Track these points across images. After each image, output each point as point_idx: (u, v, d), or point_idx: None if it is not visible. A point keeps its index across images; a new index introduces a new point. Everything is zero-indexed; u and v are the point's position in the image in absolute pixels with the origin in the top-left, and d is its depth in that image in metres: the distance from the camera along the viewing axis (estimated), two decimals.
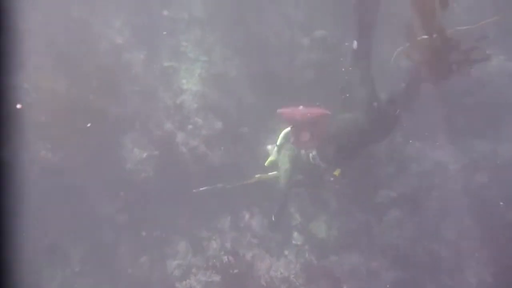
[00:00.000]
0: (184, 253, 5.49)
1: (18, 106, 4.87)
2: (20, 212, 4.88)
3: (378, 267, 5.35)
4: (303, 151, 4.73)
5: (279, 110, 4.61)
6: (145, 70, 6.32)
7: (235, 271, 4.69)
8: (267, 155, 4.94)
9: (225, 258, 5.02)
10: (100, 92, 5.47)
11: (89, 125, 5.24)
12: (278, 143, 4.84)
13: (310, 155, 4.71)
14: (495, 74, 5.74)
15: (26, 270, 5.02)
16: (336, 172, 4.75)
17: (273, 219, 4.65)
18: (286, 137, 4.84)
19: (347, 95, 4.59)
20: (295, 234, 5.88)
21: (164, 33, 6.77)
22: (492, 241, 4.98)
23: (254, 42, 6.59)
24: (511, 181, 5.30)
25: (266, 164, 4.92)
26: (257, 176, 4.95)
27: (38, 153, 5.11)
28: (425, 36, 3.73)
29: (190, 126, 5.65)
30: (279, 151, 4.83)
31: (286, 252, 5.74)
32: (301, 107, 4.59)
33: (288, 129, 4.78)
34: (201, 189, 5.06)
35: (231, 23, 6.77)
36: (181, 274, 5.23)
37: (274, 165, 4.91)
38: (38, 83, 5.21)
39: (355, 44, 4.32)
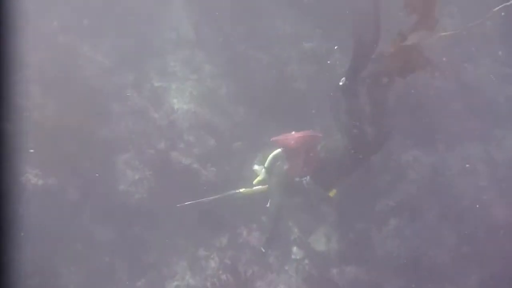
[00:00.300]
0: (183, 274, 5.39)
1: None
2: (11, 238, 4.85)
3: (380, 277, 5.25)
4: (297, 178, 4.78)
5: (272, 139, 4.74)
6: (135, 91, 6.32)
7: None
8: (254, 175, 4.99)
9: (224, 277, 4.93)
10: (90, 115, 5.47)
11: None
12: (266, 165, 4.90)
13: (304, 181, 4.78)
14: (483, 77, 5.77)
15: None
16: (332, 193, 4.88)
17: (265, 241, 4.80)
18: (275, 159, 4.92)
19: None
20: (294, 248, 5.78)
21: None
22: (494, 244, 4.92)
23: (242, 58, 6.61)
24: (509, 182, 5.28)
25: (254, 183, 4.95)
26: (242, 190, 4.94)
27: (29, 179, 5.04)
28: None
29: (182, 145, 5.61)
30: (268, 172, 4.89)
31: (286, 267, 5.65)
32: (293, 132, 4.71)
33: (277, 151, 4.87)
34: (186, 203, 5.01)
35: (219, 41, 6.80)
36: None
37: (262, 184, 4.97)
38: (26, 110, 5.19)
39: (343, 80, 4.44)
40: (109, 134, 5.60)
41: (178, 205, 4.97)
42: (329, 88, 5.68)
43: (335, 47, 6.15)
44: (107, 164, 5.51)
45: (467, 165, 5.54)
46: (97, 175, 5.37)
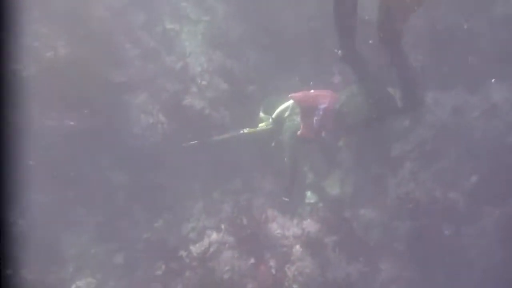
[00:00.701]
0: (198, 216, 5.48)
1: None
2: (32, 180, 4.98)
3: (393, 219, 5.25)
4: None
5: (291, 95, 4.69)
6: (146, 34, 6.17)
7: (248, 231, 4.67)
8: (260, 121, 4.97)
9: (238, 220, 5.00)
10: (102, 57, 5.37)
11: None
12: (274, 116, 4.86)
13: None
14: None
15: (42, 237, 5.12)
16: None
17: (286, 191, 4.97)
18: (284, 112, 4.87)
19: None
20: (308, 193, 5.79)
21: None
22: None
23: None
24: None
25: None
26: (245, 130, 5.01)
27: (44, 121, 5.07)
28: None
29: (194, 89, 5.52)
30: (275, 123, 4.89)
31: (299, 210, 5.68)
32: (312, 90, 4.70)
33: (287, 105, 4.82)
34: (190, 143, 5.10)
35: None
36: (196, 237, 5.24)
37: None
38: (38, 51, 5.14)
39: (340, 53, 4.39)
40: (121, 77, 5.51)
41: (184, 144, 5.02)
42: None
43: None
44: (121, 107, 5.48)
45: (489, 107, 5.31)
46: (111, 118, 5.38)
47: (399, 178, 5.45)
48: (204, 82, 5.58)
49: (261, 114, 4.96)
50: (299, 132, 4.68)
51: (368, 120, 4.76)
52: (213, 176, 5.67)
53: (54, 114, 5.09)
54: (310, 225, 5.11)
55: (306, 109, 4.65)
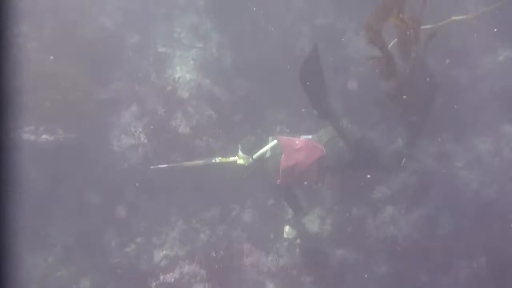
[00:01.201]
0: (172, 244, 5.32)
1: None
2: (6, 195, 4.80)
3: (369, 261, 5.18)
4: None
5: (279, 138, 4.64)
6: (137, 55, 6.15)
7: (221, 265, 4.53)
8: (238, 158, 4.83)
9: (212, 252, 4.86)
10: (88, 75, 5.32)
11: None
12: (255, 157, 4.69)
13: None
14: (501, 67, 5.51)
15: (6, 255, 4.90)
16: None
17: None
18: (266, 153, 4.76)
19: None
20: (287, 228, 5.68)
21: None
22: (488, 239, 4.81)
23: (251, 29, 6.38)
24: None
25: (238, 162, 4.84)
26: (217, 159, 4.87)
27: (20, 134, 4.94)
28: None
29: (180, 114, 5.46)
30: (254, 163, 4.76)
31: (277, 246, 5.56)
32: (301, 137, 4.67)
33: (269, 146, 4.70)
34: (159, 166, 4.94)
35: (228, 9, 6.55)
36: (167, 265, 5.06)
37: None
38: (23, 64, 5.05)
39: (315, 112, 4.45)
40: (107, 96, 5.46)
41: (152, 167, 4.91)
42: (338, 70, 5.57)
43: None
44: (103, 125, 5.40)
45: (473, 159, 5.36)
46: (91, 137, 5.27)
47: (379, 221, 5.42)
48: (190, 108, 5.52)
49: (240, 153, 4.81)
50: (278, 181, 4.59)
51: (350, 166, 4.74)
52: (192, 203, 5.54)
53: (31, 128, 4.95)
54: (286, 263, 4.98)
55: (289, 157, 4.53)
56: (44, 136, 4.97)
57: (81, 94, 5.28)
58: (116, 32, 6.23)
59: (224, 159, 4.89)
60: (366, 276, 5.21)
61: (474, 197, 5.21)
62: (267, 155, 4.66)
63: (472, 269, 4.98)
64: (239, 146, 4.74)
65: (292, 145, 4.52)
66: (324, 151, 4.53)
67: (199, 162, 4.94)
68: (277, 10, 6.52)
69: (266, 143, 4.72)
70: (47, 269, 5.11)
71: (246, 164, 4.70)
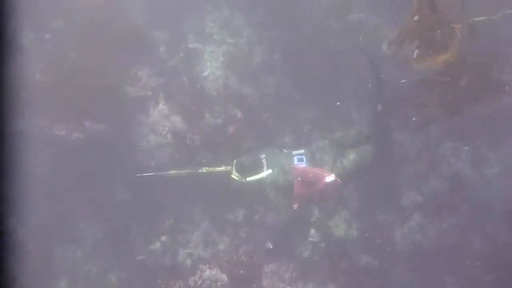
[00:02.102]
0: (196, 243, 5.37)
1: None
2: (35, 190, 4.98)
3: (392, 269, 5.06)
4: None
5: (293, 166, 4.72)
6: (167, 51, 6.15)
7: (242, 271, 4.53)
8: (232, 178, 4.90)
9: (234, 254, 4.87)
10: (118, 72, 5.37)
11: None
12: (248, 179, 4.80)
13: None
14: None
15: (38, 247, 5.10)
16: None
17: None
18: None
19: None
20: (312, 231, 5.61)
21: None
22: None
23: (283, 26, 6.24)
24: None
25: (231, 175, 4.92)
26: (204, 169, 4.95)
27: (52, 130, 5.06)
28: None
29: (207, 113, 5.44)
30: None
31: (301, 249, 5.50)
32: (313, 169, 4.70)
33: (262, 176, 4.78)
34: (145, 174, 5.01)
35: (261, 4, 6.43)
36: (191, 266, 5.13)
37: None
38: (54, 59, 5.19)
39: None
40: (136, 94, 5.49)
41: (138, 175, 4.99)
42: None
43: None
44: (132, 123, 5.44)
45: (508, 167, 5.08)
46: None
47: (407, 228, 5.26)
48: (217, 108, 5.49)
49: (234, 173, 4.85)
50: (295, 207, 4.65)
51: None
52: (216, 203, 5.54)
53: (63, 125, 5.06)
54: (309, 268, 4.93)
55: (306, 183, 4.61)
56: (75, 133, 5.09)
57: (111, 90, 5.34)
58: (148, 27, 6.24)
59: (211, 169, 4.97)
60: (390, 285, 5.10)
61: (509, 207, 4.97)
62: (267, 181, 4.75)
63: (504, 285, 4.77)
64: (234, 163, 4.83)
65: (305, 176, 4.58)
66: (339, 180, 4.60)
67: (186, 171, 5.02)
68: (310, 5, 6.35)
69: (261, 165, 4.79)
70: (77, 262, 5.28)
71: (238, 180, 4.80)
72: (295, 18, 6.28)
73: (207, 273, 4.56)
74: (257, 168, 4.81)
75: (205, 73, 6.00)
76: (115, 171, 5.37)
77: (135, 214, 5.46)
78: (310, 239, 5.58)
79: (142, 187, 5.44)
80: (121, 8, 5.98)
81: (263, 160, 4.85)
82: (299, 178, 4.57)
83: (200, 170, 4.95)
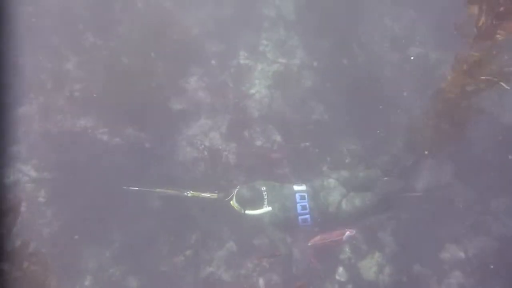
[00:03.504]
0: (219, 263, 5.28)
1: None
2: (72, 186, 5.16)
3: None
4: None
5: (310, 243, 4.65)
6: (218, 65, 6.17)
7: None
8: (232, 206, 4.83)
9: (256, 281, 4.72)
10: (165, 82, 5.45)
11: None
12: (245, 211, 4.74)
13: None
14: None
15: (66, 244, 5.25)
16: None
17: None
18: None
19: None
20: (341, 269, 5.33)
21: None
22: None
23: (338, 52, 6.05)
24: None
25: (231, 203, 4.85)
26: (189, 193, 4.95)
27: (98, 135, 5.22)
28: None
29: (246, 133, 5.37)
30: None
31: (327, 285, 5.24)
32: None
33: (260, 212, 4.69)
34: (131, 188, 5.00)
35: (319, 28, 6.27)
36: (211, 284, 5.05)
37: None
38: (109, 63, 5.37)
39: None
40: (181, 105, 5.55)
41: (124, 187, 4.98)
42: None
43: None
44: (172, 135, 5.49)
45: None
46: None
47: (444, 286, 4.83)
48: (258, 128, 5.40)
49: (235, 203, 4.76)
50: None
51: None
52: (244, 227, 5.43)
53: (105, 129, 5.21)
54: None
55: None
56: (116, 139, 5.21)
57: (156, 99, 5.43)
58: (203, 39, 6.32)
59: (196, 194, 4.94)
60: None
61: None
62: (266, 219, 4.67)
63: None
64: (235, 192, 4.77)
65: (325, 244, 4.60)
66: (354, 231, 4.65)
67: (172, 191, 5.02)
68: (370, 34, 6.11)
69: (262, 200, 4.68)
70: (103, 263, 5.38)
71: (237, 210, 4.76)
72: (352, 45, 6.08)
73: None
74: (258, 202, 4.69)
75: (252, 91, 5.95)
76: (149, 179, 5.41)
77: (164, 224, 5.49)
78: (337, 277, 5.31)
79: (173, 198, 5.46)
80: (180, 17, 6.11)
81: (264, 193, 4.71)
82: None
83: (185, 194, 4.95)
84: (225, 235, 5.50)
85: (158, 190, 5.04)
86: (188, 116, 5.54)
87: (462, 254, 4.84)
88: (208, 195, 4.92)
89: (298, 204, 4.61)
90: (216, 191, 4.94)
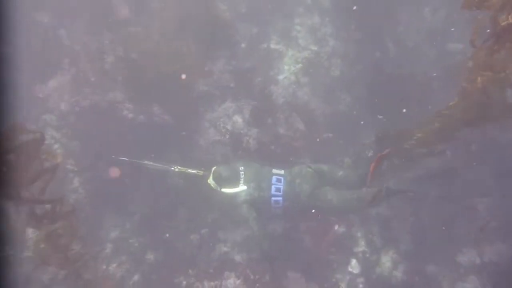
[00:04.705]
0: (233, 244, 5.38)
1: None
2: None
3: None
4: None
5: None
6: (248, 49, 6.16)
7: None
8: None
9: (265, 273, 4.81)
10: (194, 62, 5.49)
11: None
12: (221, 190, 4.91)
13: None
14: None
15: (93, 210, 5.47)
16: None
17: None
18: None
19: None
20: (354, 261, 5.33)
21: None
22: None
23: (371, 43, 5.91)
24: None
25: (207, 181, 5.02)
26: (176, 168, 5.11)
27: (123, 111, 5.36)
28: None
29: (269, 120, 5.37)
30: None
31: (337, 276, 5.26)
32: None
33: (237, 191, 4.86)
34: (120, 158, 5.16)
35: (353, 17, 6.13)
36: (220, 265, 5.16)
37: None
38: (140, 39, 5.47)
39: None
40: (207, 87, 5.60)
41: (113, 156, 5.13)
42: None
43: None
44: (197, 115, 5.57)
45: None
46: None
47: None
48: (281, 116, 5.39)
49: (211, 180, 4.93)
50: None
51: None
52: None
53: (130, 106, 5.32)
54: None
55: None
56: (141, 116, 5.34)
57: (185, 78, 5.47)
58: (235, 22, 6.29)
59: (183, 169, 5.12)
60: None
61: None
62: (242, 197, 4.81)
63: None
64: (212, 170, 4.93)
65: None
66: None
67: (159, 165, 5.18)
68: (406, 27, 5.92)
69: (238, 179, 4.85)
70: (123, 233, 5.58)
71: (213, 187, 4.91)
72: (387, 37, 5.92)
73: (231, 281, 4.54)
74: (234, 181, 4.87)
75: (280, 77, 5.93)
76: (171, 157, 5.52)
77: (184, 201, 5.62)
78: (350, 269, 5.32)
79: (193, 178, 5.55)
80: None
81: (241, 173, 4.89)
82: None
83: (172, 168, 5.12)
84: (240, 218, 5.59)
85: (146, 162, 5.21)
86: (213, 99, 5.59)
87: (479, 259, 4.73)
88: (194, 171, 5.11)
89: (273, 186, 4.79)
90: (203, 168, 5.11)
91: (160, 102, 5.39)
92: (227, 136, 5.36)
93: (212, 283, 4.58)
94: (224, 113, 5.47)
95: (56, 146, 5.52)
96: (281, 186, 4.78)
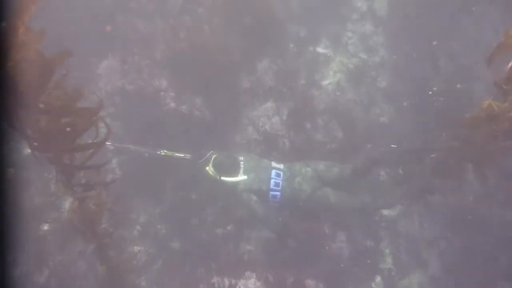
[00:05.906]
0: (257, 244, 5.37)
1: None
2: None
3: None
4: None
5: None
6: (296, 50, 6.10)
7: None
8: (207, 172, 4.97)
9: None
10: (240, 58, 5.50)
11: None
12: (223, 179, 4.88)
13: None
14: None
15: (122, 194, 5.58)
16: None
17: None
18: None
19: None
20: (378, 278, 5.20)
21: None
22: None
23: (423, 57, 5.70)
24: None
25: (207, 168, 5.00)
26: (163, 152, 5.15)
27: (165, 101, 5.47)
28: None
29: (308, 125, 5.30)
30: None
31: None
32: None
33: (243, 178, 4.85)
34: (116, 144, 5.26)
35: (409, 29, 5.93)
36: (243, 264, 5.16)
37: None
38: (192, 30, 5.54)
39: None
40: (249, 85, 5.60)
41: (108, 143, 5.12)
42: None
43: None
44: (236, 112, 5.59)
45: None
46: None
47: None
48: (320, 122, 5.32)
49: (211, 168, 4.92)
50: None
51: None
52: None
53: (175, 95, 5.41)
54: None
55: None
56: (183, 106, 5.41)
57: (229, 74, 5.51)
58: (286, 22, 6.24)
59: (169, 153, 5.16)
60: None
61: None
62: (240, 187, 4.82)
63: None
64: (213, 158, 4.93)
65: None
66: None
67: (145, 149, 5.26)
68: (463, 44, 5.65)
69: (238, 168, 4.87)
70: (151, 218, 5.69)
71: (212, 175, 4.92)
72: (441, 53, 5.68)
73: (251, 282, 4.54)
74: (234, 170, 4.90)
75: (325, 82, 5.84)
76: (206, 149, 5.56)
77: (214, 195, 5.65)
78: (373, 286, 5.20)
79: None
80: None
81: (241, 163, 4.92)
82: None
83: (159, 152, 5.16)
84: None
85: (133, 147, 5.28)
86: (254, 97, 5.58)
87: None
88: (181, 155, 5.15)
89: (272, 180, 4.78)
90: (189, 153, 5.16)
91: (203, 95, 5.44)
92: (264, 136, 5.34)
93: (233, 281, 4.58)
94: (264, 113, 5.45)
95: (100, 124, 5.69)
96: (280, 181, 4.79)
